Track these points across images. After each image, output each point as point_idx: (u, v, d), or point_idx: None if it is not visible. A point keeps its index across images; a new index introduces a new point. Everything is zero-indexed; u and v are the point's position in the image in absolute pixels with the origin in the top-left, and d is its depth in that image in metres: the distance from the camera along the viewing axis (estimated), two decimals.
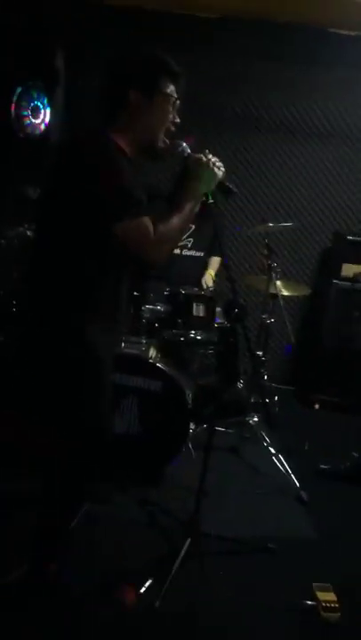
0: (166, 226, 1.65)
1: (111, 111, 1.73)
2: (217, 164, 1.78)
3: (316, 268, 4.24)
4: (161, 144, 1.76)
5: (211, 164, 1.76)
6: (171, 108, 1.74)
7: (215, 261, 3.50)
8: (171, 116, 1.75)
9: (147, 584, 2.08)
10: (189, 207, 1.72)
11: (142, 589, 2.06)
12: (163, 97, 1.71)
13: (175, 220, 1.67)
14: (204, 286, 3.38)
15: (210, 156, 1.78)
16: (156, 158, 1.79)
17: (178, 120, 1.77)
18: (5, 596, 1.93)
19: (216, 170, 1.77)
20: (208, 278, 3.44)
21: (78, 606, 1.96)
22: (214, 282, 3.47)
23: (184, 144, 1.80)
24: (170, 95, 1.72)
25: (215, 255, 3.49)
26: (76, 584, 2.02)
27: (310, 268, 4.24)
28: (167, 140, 1.76)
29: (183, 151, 1.80)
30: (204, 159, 1.76)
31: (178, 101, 1.75)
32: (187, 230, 1.90)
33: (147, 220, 1.61)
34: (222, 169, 1.79)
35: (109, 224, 1.56)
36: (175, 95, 1.74)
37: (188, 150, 1.80)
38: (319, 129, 3.97)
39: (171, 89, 1.72)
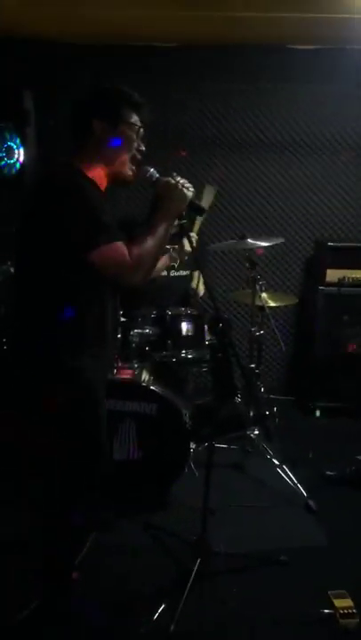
0: (141, 248, 1.67)
1: (79, 142, 1.78)
2: (185, 184, 1.82)
3: (301, 276, 4.27)
4: (128, 171, 1.80)
5: (179, 186, 1.80)
6: (135, 136, 1.79)
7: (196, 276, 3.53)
8: (136, 144, 1.80)
9: (160, 609, 2.05)
10: (162, 229, 1.75)
11: (155, 616, 2.03)
12: (126, 125, 1.76)
13: (149, 242, 1.70)
14: (195, 295, 3.41)
15: (178, 178, 1.83)
16: (125, 185, 1.84)
17: (143, 148, 1.82)
18: (18, 633, 1.90)
19: (185, 190, 1.81)
20: (199, 285, 3.47)
21: (91, 636, 1.93)
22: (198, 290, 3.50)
23: (151, 169, 1.84)
24: (133, 124, 1.77)
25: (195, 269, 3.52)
26: (87, 614, 2.00)
27: (296, 278, 4.28)
28: (134, 167, 1.81)
29: (152, 176, 1.84)
30: (173, 181, 1.80)
31: (142, 130, 1.81)
32: (163, 252, 1.93)
33: (120, 245, 1.64)
34: (191, 189, 1.84)
35: (84, 252, 1.59)
36: (139, 124, 1.79)
37: (157, 175, 1.84)
38: (295, 141, 4.05)
39: (134, 118, 1.78)
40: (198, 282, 3.48)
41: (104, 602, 2.09)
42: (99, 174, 1.76)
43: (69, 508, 1.87)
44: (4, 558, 2.32)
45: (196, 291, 3.45)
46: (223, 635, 1.99)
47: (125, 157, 1.78)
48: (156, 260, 1.81)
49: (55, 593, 1.95)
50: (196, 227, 3.41)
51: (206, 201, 3.36)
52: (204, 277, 3.25)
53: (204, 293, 3.49)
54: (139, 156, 1.81)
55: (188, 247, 3.39)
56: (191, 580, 2.12)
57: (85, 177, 1.70)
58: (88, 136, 1.75)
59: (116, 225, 1.71)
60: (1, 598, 2.10)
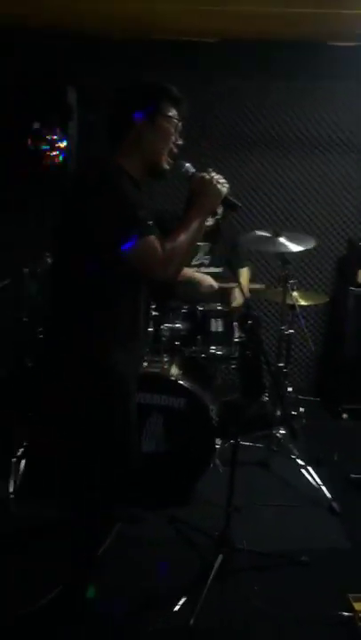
0: (174, 243, 1.69)
1: (118, 136, 1.81)
2: (220, 180, 1.82)
3: (332, 276, 4.23)
4: (165, 165, 1.82)
5: (214, 181, 1.81)
6: (173, 130, 1.81)
7: (244, 273, 3.53)
8: (173, 138, 1.82)
9: (181, 602, 2.08)
10: (196, 224, 1.76)
11: (176, 607, 2.06)
12: (164, 119, 1.79)
13: (182, 237, 1.72)
14: (234, 303, 3.41)
15: (213, 174, 1.83)
16: (161, 177, 1.86)
17: (180, 142, 1.84)
18: (41, 619, 1.96)
19: (220, 186, 1.81)
20: (236, 294, 3.46)
21: (113, 627, 1.97)
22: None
23: (188, 164, 1.86)
24: (171, 117, 1.80)
25: (236, 268, 3.51)
26: (109, 605, 2.04)
27: (327, 277, 4.24)
28: (171, 161, 1.83)
29: (187, 171, 1.85)
30: (207, 177, 1.81)
31: (180, 124, 1.83)
32: (195, 248, 1.93)
33: (154, 239, 1.66)
34: (226, 185, 1.84)
35: (117, 247, 1.62)
36: (177, 118, 1.81)
37: (193, 170, 1.86)
38: (332, 139, 4.00)
39: (172, 112, 1.80)
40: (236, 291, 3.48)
41: (125, 593, 2.13)
42: (136, 167, 1.78)
43: (99, 499, 1.90)
44: (31, 544, 2.38)
45: (233, 299, 3.44)
46: (243, 631, 2.00)
47: (163, 150, 1.80)
48: (187, 256, 1.82)
49: (77, 581, 1.99)
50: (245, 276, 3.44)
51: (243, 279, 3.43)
52: (241, 287, 3.28)
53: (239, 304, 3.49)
54: (175, 150, 1.84)
55: (240, 298, 3.43)
56: (212, 575, 2.14)
57: (123, 171, 1.73)
58: (127, 130, 1.78)
59: (153, 220, 1.74)
60: (25, 583, 2.15)
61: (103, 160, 1.79)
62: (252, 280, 3.69)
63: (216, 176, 1.83)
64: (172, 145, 1.82)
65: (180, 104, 1.82)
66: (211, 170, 1.85)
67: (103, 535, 2.12)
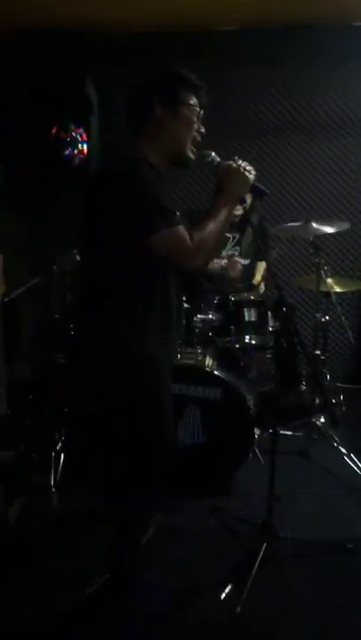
0: (202, 233, 1.69)
1: (139, 126, 1.81)
2: (247, 168, 1.80)
3: None
4: (189, 153, 1.82)
5: (241, 169, 1.79)
6: (195, 119, 1.80)
7: (261, 266, 3.50)
8: (196, 126, 1.81)
9: (226, 590, 2.07)
10: (224, 213, 1.75)
11: (222, 595, 2.05)
12: (186, 108, 1.78)
13: (211, 226, 1.71)
14: (260, 290, 3.42)
15: (239, 162, 1.81)
16: (185, 167, 1.85)
17: (203, 130, 1.83)
18: (87, 606, 1.97)
19: (247, 174, 1.79)
20: (261, 284, 3.45)
21: (158, 616, 1.97)
22: (264, 283, 3.48)
23: (213, 154, 1.84)
24: (193, 106, 1.78)
25: (260, 259, 3.49)
26: (155, 594, 2.04)
27: None
28: (194, 149, 1.82)
29: (213, 160, 1.84)
30: (234, 165, 1.79)
31: (201, 112, 1.81)
32: (224, 238, 1.92)
33: (181, 229, 1.65)
34: (253, 172, 1.82)
35: (145, 238, 1.62)
36: (198, 105, 1.80)
37: (218, 159, 1.84)
38: (353, 122, 3.92)
39: (193, 100, 1.79)
40: (260, 276, 3.46)
41: (170, 582, 2.13)
42: (160, 157, 1.78)
43: (139, 490, 1.91)
44: (81, 533, 2.41)
45: (257, 286, 3.43)
46: (289, 618, 1.97)
47: (186, 139, 1.80)
48: (217, 244, 1.80)
49: (122, 571, 2.01)
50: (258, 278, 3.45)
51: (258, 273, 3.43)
52: (268, 266, 3.25)
53: (266, 287, 3.47)
54: (198, 138, 1.82)
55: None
56: (258, 562, 2.12)
57: (146, 162, 1.72)
58: (148, 120, 1.77)
59: (184, 214, 1.73)
60: (70, 574, 2.17)
61: (126, 153, 1.79)
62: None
63: (243, 164, 1.81)
64: (195, 133, 1.81)
65: (199, 91, 1.81)
66: (237, 158, 1.84)
67: (145, 525, 2.12)
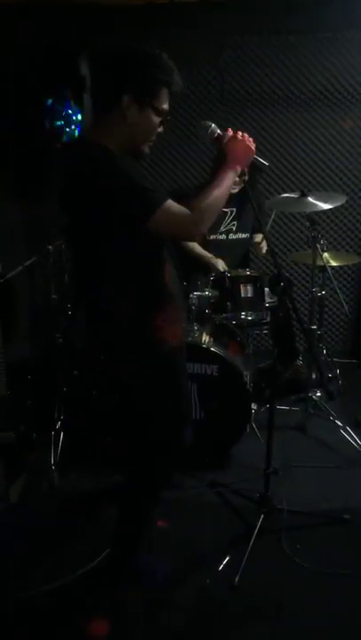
0: (206, 200, 1.67)
1: (103, 108, 1.73)
2: (249, 139, 1.80)
3: None
4: (145, 149, 1.77)
5: (245, 139, 1.78)
6: (159, 122, 1.73)
7: (258, 237, 3.50)
8: (158, 129, 1.74)
9: (225, 561, 2.12)
10: (228, 181, 1.73)
11: (220, 567, 2.10)
12: (153, 111, 1.70)
13: (215, 193, 1.69)
14: (259, 251, 3.46)
15: (239, 133, 1.80)
16: (139, 157, 1.81)
17: (161, 130, 1.76)
18: (88, 580, 2.03)
19: (250, 144, 1.79)
20: (261, 243, 3.45)
21: (158, 587, 2.02)
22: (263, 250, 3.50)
23: (212, 125, 1.81)
24: (161, 111, 1.71)
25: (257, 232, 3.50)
26: (154, 567, 2.09)
27: (359, 237, 4.13)
28: (150, 145, 1.77)
29: (213, 132, 1.82)
30: (239, 135, 1.79)
31: (168, 117, 1.75)
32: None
33: (172, 203, 1.62)
34: (253, 144, 1.80)
35: (143, 222, 1.60)
36: (166, 110, 1.73)
37: (218, 130, 1.82)
38: (350, 92, 3.84)
39: (163, 102, 1.71)
40: (262, 240, 3.45)
41: (170, 553, 2.18)
42: (117, 145, 1.70)
43: (157, 467, 1.94)
44: (81, 510, 2.46)
45: (259, 246, 3.42)
46: (287, 587, 2.03)
47: (144, 137, 1.74)
48: (219, 210, 1.77)
49: (125, 546, 2.05)
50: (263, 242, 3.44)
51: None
52: (266, 239, 3.23)
53: (268, 250, 3.46)
54: (154, 138, 1.76)
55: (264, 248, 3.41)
56: (255, 534, 2.17)
57: (104, 149, 1.66)
58: (113, 108, 1.69)
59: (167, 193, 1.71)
60: (77, 544, 2.23)
61: (88, 145, 1.71)
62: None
63: (244, 135, 1.80)
64: (154, 135, 1.75)
65: (175, 88, 1.72)
66: (236, 129, 1.82)
67: (155, 502, 2.13)
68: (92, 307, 1.84)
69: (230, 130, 1.81)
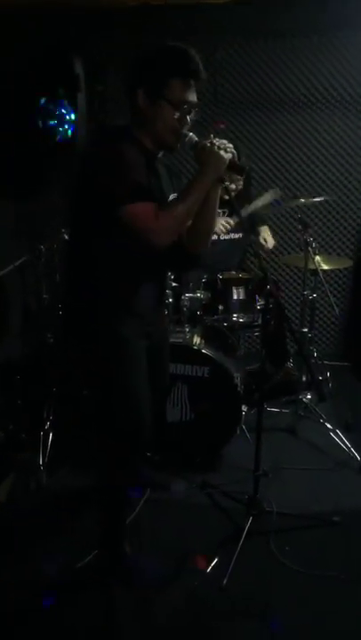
0: (169, 212, 1.69)
1: (130, 105, 1.79)
2: (222, 146, 1.76)
3: (356, 238, 4.14)
4: (169, 140, 1.79)
5: (215, 149, 1.74)
6: (173, 113, 1.73)
7: (264, 230, 3.51)
8: (176, 118, 1.74)
9: (213, 563, 2.12)
10: (196, 193, 1.73)
11: (208, 569, 2.10)
12: (166, 103, 1.72)
13: (179, 207, 1.70)
14: (268, 246, 3.45)
15: (215, 141, 1.77)
16: (169, 151, 1.85)
17: (188, 121, 1.77)
18: (77, 581, 2.02)
19: (223, 153, 1.75)
20: (266, 237, 3.45)
21: (146, 589, 2.01)
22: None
23: (190, 134, 1.79)
24: (173, 102, 1.72)
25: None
26: (143, 567, 2.08)
27: (351, 240, 4.15)
28: (175, 137, 1.78)
29: (190, 140, 1.79)
30: (208, 145, 1.76)
31: (188, 104, 1.75)
32: (212, 216, 1.89)
33: (149, 206, 1.65)
34: (230, 149, 1.78)
35: (114, 208, 1.62)
36: (184, 99, 1.73)
37: (196, 138, 1.80)
38: (353, 97, 3.86)
39: (179, 94, 1.72)
40: (266, 235, 3.46)
41: (159, 555, 2.17)
42: (145, 138, 1.78)
43: (113, 463, 1.94)
44: (69, 510, 2.45)
45: (264, 245, 3.42)
46: (275, 589, 2.03)
47: (164, 129, 1.76)
48: (184, 224, 1.78)
49: (108, 546, 2.05)
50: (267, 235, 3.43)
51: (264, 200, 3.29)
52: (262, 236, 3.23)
53: (274, 245, 3.46)
54: (179, 128, 1.77)
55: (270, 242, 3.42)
56: (243, 536, 2.17)
57: (134, 140, 1.73)
58: (132, 103, 1.76)
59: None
60: (67, 544, 2.22)
61: (110, 127, 1.79)
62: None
63: (218, 142, 1.77)
64: (174, 124, 1.75)
65: (195, 78, 1.73)
66: (212, 136, 1.80)
67: (126, 498, 2.15)
68: (70, 297, 1.90)
69: (208, 139, 1.78)
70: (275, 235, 4.09)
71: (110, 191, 1.62)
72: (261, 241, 3.46)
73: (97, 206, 1.66)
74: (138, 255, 1.77)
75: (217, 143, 1.77)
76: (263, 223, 3.61)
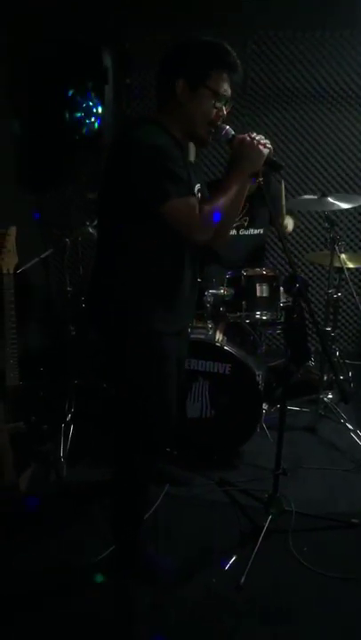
0: (212, 206, 1.67)
1: (161, 98, 1.79)
2: (262, 141, 1.77)
3: None
4: (204, 133, 1.78)
5: (255, 143, 1.75)
6: (215, 103, 1.74)
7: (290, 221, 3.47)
8: (215, 110, 1.75)
9: (231, 561, 2.12)
10: (236, 188, 1.73)
11: (227, 566, 2.10)
12: (207, 92, 1.72)
13: (222, 201, 1.69)
14: (289, 229, 3.41)
15: (254, 135, 1.78)
16: (202, 145, 1.84)
17: (225, 112, 1.77)
18: (94, 575, 2.04)
19: (261, 148, 1.76)
20: (289, 222, 3.42)
21: (164, 585, 2.02)
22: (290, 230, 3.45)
23: (227, 127, 1.79)
24: (215, 91, 1.72)
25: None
26: (162, 564, 2.09)
27: None
28: (211, 129, 1.78)
29: (227, 134, 1.80)
30: (248, 139, 1.76)
31: (224, 96, 1.75)
32: (238, 211, 1.91)
33: (193, 200, 1.64)
34: (268, 146, 1.79)
35: (155, 205, 1.61)
36: (223, 91, 1.74)
37: (233, 132, 1.80)
38: None
39: (219, 84, 1.73)
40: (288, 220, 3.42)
41: (177, 552, 2.18)
42: (178, 130, 1.76)
43: (135, 459, 1.94)
44: (89, 503, 2.47)
45: (285, 227, 3.38)
46: (293, 590, 2.03)
47: (202, 119, 1.75)
48: (229, 218, 1.79)
49: (124, 542, 2.06)
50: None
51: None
52: (281, 240, 3.20)
53: (292, 229, 3.43)
54: (217, 120, 1.77)
55: (290, 225, 3.38)
56: (262, 535, 2.16)
57: (166, 131, 1.71)
58: (169, 93, 1.74)
59: (206, 184, 1.68)
60: (85, 537, 2.25)
61: (144, 119, 1.77)
62: None
63: (257, 137, 1.78)
64: (212, 115, 1.75)
65: (233, 73, 1.74)
66: (251, 131, 1.81)
67: (147, 498, 2.14)
68: (99, 290, 1.86)
69: (247, 134, 1.78)
70: (300, 230, 4.07)
71: (152, 186, 1.60)
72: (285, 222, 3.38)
73: (135, 201, 1.64)
74: (175, 250, 1.76)
75: (257, 138, 1.76)
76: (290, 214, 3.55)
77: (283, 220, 3.24)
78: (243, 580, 2.02)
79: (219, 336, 2.77)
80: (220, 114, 1.77)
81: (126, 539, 2.06)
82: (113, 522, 2.05)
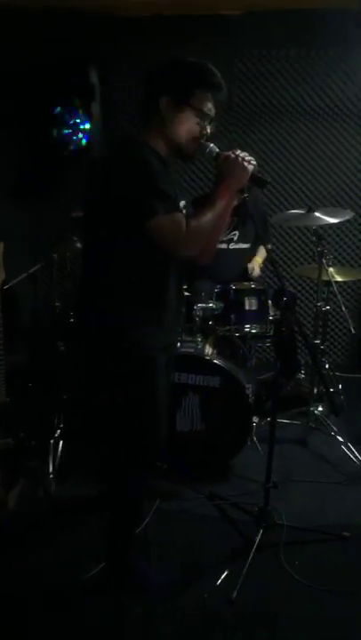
0: (198, 221, 1.69)
1: (145, 114, 1.81)
2: (246, 158, 1.79)
3: None
4: (189, 149, 1.81)
5: (240, 160, 1.77)
6: (199, 121, 1.77)
7: (262, 250, 3.49)
8: (199, 127, 1.78)
9: (222, 576, 2.09)
10: (221, 204, 1.76)
11: (218, 581, 2.07)
12: (191, 110, 1.75)
13: (208, 216, 1.71)
14: (251, 273, 3.40)
15: (238, 152, 1.80)
16: (185, 160, 1.87)
17: (208, 131, 1.80)
18: (84, 592, 2.01)
19: (246, 164, 1.78)
20: (255, 266, 3.44)
21: (155, 601, 1.99)
22: (261, 269, 3.46)
23: (211, 145, 1.82)
24: (198, 109, 1.76)
25: (259, 244, 3.48)
26: (153, 578, 2.07)
27: None
28: (195, 145, 1.81)
29: (211, 151, 1.82)
30: (232, 156, 1.78)
31: (208, 115, 1.78)
32: (224, 226, 1.93)
33: (180, 216, 1.66)
34: (253, 162, 1.81)
35: (143, 221, 1.62)
36: (207, 110, 1.77)
37: (217, 150, 1.83)
38: (359, 108, 3.87)
39: (203, 103, 1.76)
40: (255, 260, 3.45)
41: (168, 567, 2.15)
42: (162, 147, 1.78)
43: (127, 476, 1.93)
44: (79, 519, 2.44)
45: (252, 271, 3.41)
46: (285, 604, 2.00)
47: (186, 136, 1.78)
48: (213, 235, 1.80)
49: (116, 557, 2.03)
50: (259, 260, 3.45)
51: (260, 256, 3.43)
52: (267, 253, 3.23)
53: (261, 269, 3.46)
54: (200, 137, 1.80)
55: (256, 270, 3.41)
56: (254, 549, 2.14)
57: (149, 148, 1.73)
58: (153, 110, 1.77)
59: (190, 202, 1.71)
60: (74, 553, 2.21)
61: (129, 136, 1.79)
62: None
63: (242, 154, 1.80)
64: (196, 133, 1.79)
65: (216, 92, 1.78)
66: (236, 148, 1.84)
67: (138, 510, 2.12)
68: (86, 305, 1.86)
69: (232, 151, 1.81)
70: (288, 244, 4.10)
71: (138, 203, 1.62)
72: (250, 269, 3.43)
73: (122, 216, 1.65)
74: (161, 265, 1.77)
75: (241, 155, 1.78)
76: (267, 242, 3.58)
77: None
78: (235, 594, 1.99)
79: (208, 349, 2.78)
80: (204, 132, 1.79)
81: (118, 553, 2.04)
82: (107, 536, 2.02)
